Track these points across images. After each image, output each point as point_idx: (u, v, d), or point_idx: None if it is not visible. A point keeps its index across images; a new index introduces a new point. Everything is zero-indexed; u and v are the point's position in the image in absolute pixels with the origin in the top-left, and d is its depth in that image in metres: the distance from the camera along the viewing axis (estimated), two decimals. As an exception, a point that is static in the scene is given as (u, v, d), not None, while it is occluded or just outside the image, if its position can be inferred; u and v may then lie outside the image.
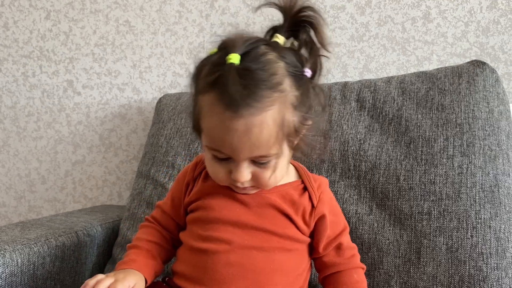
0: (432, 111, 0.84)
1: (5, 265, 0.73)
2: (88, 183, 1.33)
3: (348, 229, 0.69)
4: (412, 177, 0.79)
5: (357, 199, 0.81)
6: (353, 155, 0.85)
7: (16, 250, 0.76)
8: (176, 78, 1.25)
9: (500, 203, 0.74)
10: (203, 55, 1.29)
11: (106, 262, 0.97)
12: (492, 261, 0.70)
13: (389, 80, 0.93)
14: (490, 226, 0.73)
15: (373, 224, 0.78)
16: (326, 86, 0.98)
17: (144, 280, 0.63)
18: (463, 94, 0.84)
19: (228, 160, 0.59)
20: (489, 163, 0.77)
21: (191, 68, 0.64)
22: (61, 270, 0.84)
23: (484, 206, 0.74)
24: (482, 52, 1.04)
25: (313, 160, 0.85)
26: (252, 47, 0.57)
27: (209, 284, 0.60)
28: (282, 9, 0.63)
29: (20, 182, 1.39)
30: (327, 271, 0.66)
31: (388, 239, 0.76)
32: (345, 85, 0.96)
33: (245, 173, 0.58)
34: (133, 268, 0.63)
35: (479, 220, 0.73)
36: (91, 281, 0.59)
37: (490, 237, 0.72)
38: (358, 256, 0.68)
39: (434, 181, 0.77)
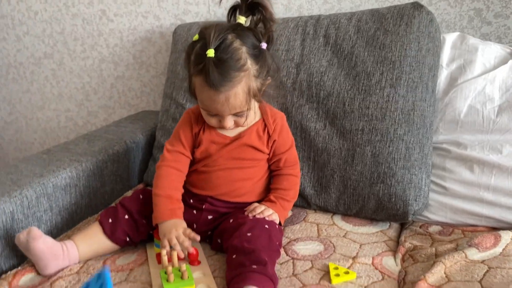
0: (376, 49, 1.09)
1: (83, 171, 1.14)
2: (129, 94, 1.69)
3: (291, 149, 1.02)
4: (354, 103, 1.08)
5: (316, 118, 1.12)
6: (315, 85, 1.13)
7: (88, 160, 1.16)
8: (187, 6, 1.49)
9: (413, 122, 1.04)
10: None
11: (149, 159, 1.37)
12: (400, 163, 1.03)
13: (351, 17, 1.16)
14: (403, 139, 1.03)
15: (326, 136, 1.11)
16: (303, 19, 1.22)
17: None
18: (400, 35, 1.07)
19: (217, 115, 0.92)
20: (410, 92, 1.04)
21: None
22: (118, 169, 1.25)
23: (401, 125, 1.04)
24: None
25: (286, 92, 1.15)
26: (222, 39, 0.84)
27: (206, 188, 0.99)
28: None
29: (77, 93, 1.77)
30: (273, 173, 1.03)
31: (334, 147, 1.09)
32: (318, 19, 1.20)
33: (229, 123, 0.92)
34: (178, 217, 0.92)
35: (396, 135, 1.04)
36: (173, 241, 0.86)
37: (402, 147, 1.03)
38: (295, 168, 1.02)
39: (368, 107, 1.06)
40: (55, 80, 1.77)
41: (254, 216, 0.94)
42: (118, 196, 1.21)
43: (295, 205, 1.06)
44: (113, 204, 1.03)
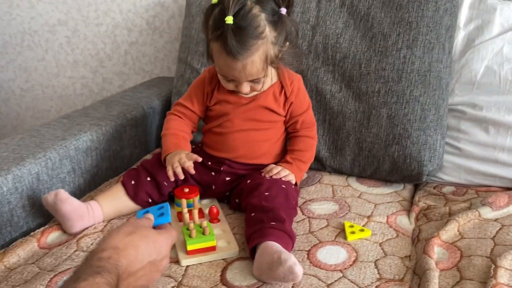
0: (392, 10, 1.08)
1: (103, 135, 1.16)
2: (143, 59, 1.69)
3: (308, 111, 1.02)
4: (370, 65, 1.08)
5: (332, 81, 1.13)
6: (331, 47, 1.13)
7: (107, 124, 1.18)
8: (201, -30, 1.47)
9: (429, 83, 1.04)
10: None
11: (165, 124, 1.39)
12: (416, 125, 1.04)
13: (367, -22, 1.14)
14: (419, 100, 1.04)
15: (341, 99, 1.11)
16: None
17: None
18: (417, -5, 1.06)
19: (234, 80, 0.92)
20: (427, 54, 1.04)
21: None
22: (136, 133, 1.28)
23: (417, 86, 1.04)
24: None
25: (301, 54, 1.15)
26: (241, 5, 0.84)
27: (223, 150, 1.01)
28: None
29: (92, 60, 1.78)
30: (290, 135, 1.04)
31: (350, 109, 1.10)
32: (333, -19, 1.18)
33: (246, 89, 0.93)
34: (183, 148, 0.97)
35: (412, 97, 1.04)
36: (175, 164, 0.91)
37: (417, 108, 1.04)
38: (312, 130, 1.03)
39: (384, 68, 1.06)
40: (69, 47, 1.78)
41: (271, 176, 0.96)
42: (136, 160, 1.24)
43: (310, 168, 1.08)
44: (134, 167, 1.06)
